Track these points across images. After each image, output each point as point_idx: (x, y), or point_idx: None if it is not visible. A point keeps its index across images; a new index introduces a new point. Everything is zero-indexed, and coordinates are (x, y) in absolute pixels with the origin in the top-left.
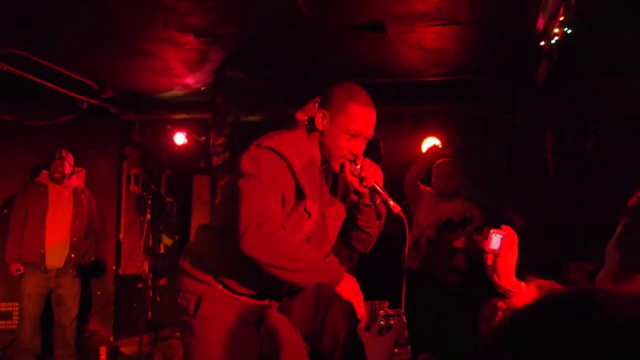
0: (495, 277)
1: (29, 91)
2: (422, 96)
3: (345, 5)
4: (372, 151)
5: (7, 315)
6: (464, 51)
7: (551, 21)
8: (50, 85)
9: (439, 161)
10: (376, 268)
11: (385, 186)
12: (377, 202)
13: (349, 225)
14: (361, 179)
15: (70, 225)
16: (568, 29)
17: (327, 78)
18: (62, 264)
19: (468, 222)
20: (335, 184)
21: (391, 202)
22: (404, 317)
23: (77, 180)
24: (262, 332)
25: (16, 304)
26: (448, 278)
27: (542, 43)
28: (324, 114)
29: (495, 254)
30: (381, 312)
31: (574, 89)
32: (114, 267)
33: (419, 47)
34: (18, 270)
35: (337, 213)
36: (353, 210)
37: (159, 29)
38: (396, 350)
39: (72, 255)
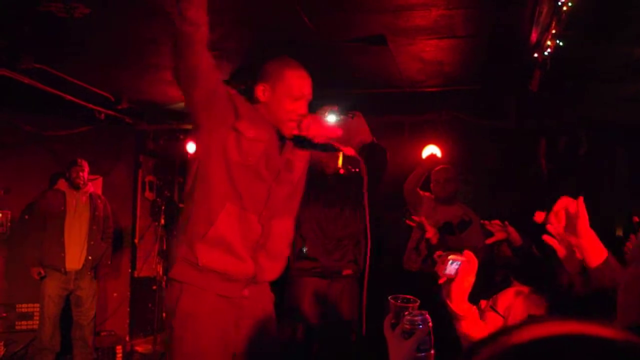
0: (447, 300)
1: (50, 103)
2: (422, 106)
3: (348, 20)
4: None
5: (28, 316)
6: (461, 62)
7: (544, 34)
8: (69, 97)
9: (436, 168)
10: (380, 270)
11: (386, 193)
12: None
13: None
14: (311, 139)
15: (87, 230)
16: (560, 41)
17: (330, 89)
18: (80, 266)
19: (466, 225)
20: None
21: (343, 149)
22: (430, 322)
23: (94, 187)
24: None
25: (37, 305)
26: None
27: (536, 55)
28: (263, 86)
29: (449, 278)
30: (407, 315)
31: (567, 98)
32: (130, 270)
33: (419, 59)
34: (39, 273)
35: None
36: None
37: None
38: (418, 354)
39: (90, 258)
